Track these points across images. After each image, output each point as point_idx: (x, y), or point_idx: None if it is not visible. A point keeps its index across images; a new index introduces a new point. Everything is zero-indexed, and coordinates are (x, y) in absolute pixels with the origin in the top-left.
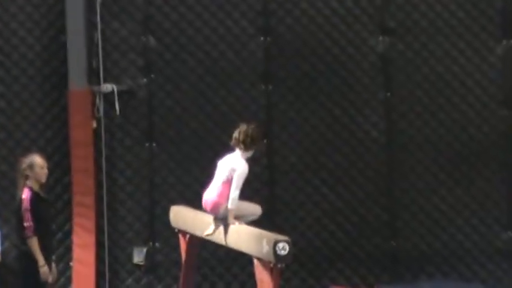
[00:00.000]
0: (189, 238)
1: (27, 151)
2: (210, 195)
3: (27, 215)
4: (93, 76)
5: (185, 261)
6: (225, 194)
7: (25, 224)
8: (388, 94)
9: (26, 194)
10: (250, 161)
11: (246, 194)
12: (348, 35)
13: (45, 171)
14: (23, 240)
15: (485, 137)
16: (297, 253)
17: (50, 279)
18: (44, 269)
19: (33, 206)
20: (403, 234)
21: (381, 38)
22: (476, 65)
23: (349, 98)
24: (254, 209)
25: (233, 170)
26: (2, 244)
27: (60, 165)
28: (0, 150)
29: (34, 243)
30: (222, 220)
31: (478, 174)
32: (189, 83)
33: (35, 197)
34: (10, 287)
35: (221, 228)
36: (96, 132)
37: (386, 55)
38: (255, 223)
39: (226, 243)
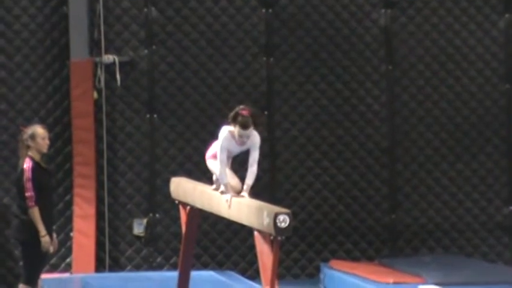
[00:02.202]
0: (189, 210)
1: (28, 122)
2: None
3: (29, 185)
4: (94, 47)
5: (185, 233)
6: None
7: (26, 194)
8: (390, 67)
9: (27, 164)
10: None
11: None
12: (350, 8)
13: (47, 141)
14: (24, 210)
15: (486, 111)
16: (297, 226)
17: (51, 249)
18: (45, 238)
19: (35, 176)
20: (403, 207)
21: (383, 11)
22: (478, 39)
23: (351, 71)
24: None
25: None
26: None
27: (61, 136)
28: (2, 120)
29: (35, 213)
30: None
31: (479, 149)
32: (190, 55)
33: (36, 167)
34: (11, 256)
35: (221, 200)
36: (97, 103)
37: (388, 28)
38: (256, 195)
39: (226, 215)
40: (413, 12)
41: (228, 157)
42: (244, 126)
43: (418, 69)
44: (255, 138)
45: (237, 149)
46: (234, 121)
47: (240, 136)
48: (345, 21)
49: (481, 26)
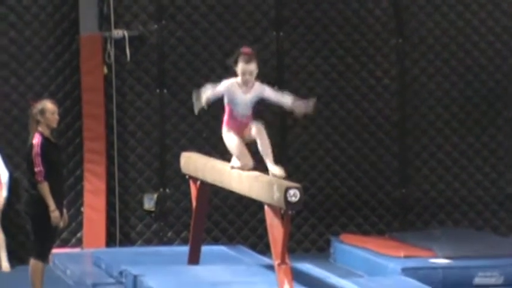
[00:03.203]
0: (200, 184)
1: (38, 97)
2: None
3: (38, 160)
4: (104, 22)
5: (196, 207)
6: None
7: (36, 169)
8: (400, 41)
9: (36, 139)
10: (261, 106)
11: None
12: None
13: (56, 116)
14: (34, 185)
15: (497, 84)
16: (307, 200)
17: (61, 224)
18: (54, 213)
19: (44, 151)
20: (414, 181)
21: None
22: (488, 12)
23: (361, 45)
24: (244, 160)
25: None
26: (9, 188)
27: (71, 111)
28: (12, 95)
29: (45, 188)
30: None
31: (490, 122)
32: (200, 29)
33: (45, 142)
34: (23, 231)
35: (232, 175)
36: (107, 78)
37: (398, 1)
38: (266, 170)
39: (237, 189)
40: None
41: (239, 125)
42: (246, 60)
43: (428, 43)
44: (259, 86)
45: (243, 100)
46: (236, 62)
47: (243, 73)
48: None
49: (489, 1)
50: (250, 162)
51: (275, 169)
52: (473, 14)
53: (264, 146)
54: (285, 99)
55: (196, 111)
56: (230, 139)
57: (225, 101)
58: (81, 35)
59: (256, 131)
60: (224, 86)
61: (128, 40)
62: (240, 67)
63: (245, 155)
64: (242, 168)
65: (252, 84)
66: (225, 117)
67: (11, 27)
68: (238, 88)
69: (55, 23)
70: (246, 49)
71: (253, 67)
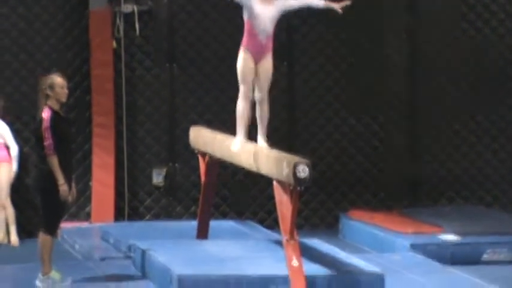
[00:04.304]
0: (209, 159)
1: (47, 72)
2: None
3: (48, 133)
4: None
5: (204, 182)
6: None
7: (45, 143)
8: (411, 18)
9: (46, 113)
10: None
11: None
12: None
13: (66, 90)
14: (43, 158)
15: (507, 63)
16: (316, 176)
17: (70, 198)
18: (63, 187)
19: (53, 125)
20: (423, 158)
21: None
22: None
23: (371, 22)
24: (245, 88)
25: None
26: (19, 163)
27: (80, 86)
28: (21, 71)
29: (54, 161)
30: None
31: (500, 101)
32: (209, 4)
33: (55, 116)
34: (31, 205)
35: (241, 150)
36: (116, 53)
37: None
38: (274, 145)
39: (245, 165)
40: None
41: (259, 46)
42: None
43: (439, 20)
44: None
45: (264, 13)
46: None
47: None
48: None
49: None
50: (248, 90)
51: (262, 142)
52: None
53: (261, 117)
54: (315, 1)
55: None
56: (243, 60)
57: (245, 16)
58: (91, 10)
59: (260, 99)
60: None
61: (138, 14)
62: None
63: (248, 83)
64: (242, 97)
65: None
66: (244, 38)
67: (20, 3)
68: (259, 2)
69: None
70: None
71: None
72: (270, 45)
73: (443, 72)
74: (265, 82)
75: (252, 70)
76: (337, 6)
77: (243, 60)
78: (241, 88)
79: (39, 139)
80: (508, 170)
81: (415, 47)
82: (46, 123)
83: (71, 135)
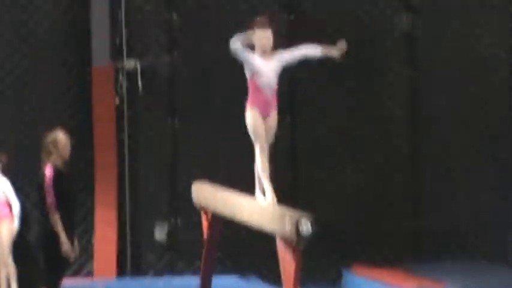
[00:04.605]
0: (212, 215)
1: (50, 127)
2: None
3: (50, 191)
4: (116, 53)
5: (207, 238)
6: None
7: (47, 200)
8: (412, 71)
9: (48, 170)
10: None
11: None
12: (372, 12)
13: (68, 147)
14: (46, 216)
15: (509, 115)
16: (319, 231)
17: (72, 255)
18: (66, 244)
19: (56, 182)
20: (425, 212)
21: (404, 15)
22: (500, 43)
23: (373, 75)
24: (261, 142)
25: None
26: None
27: (83, 141)
28: (24, 125)
29: (56, 219)
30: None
31: (502, 152)
32: (212, 60)
33: (57, 173)
34: (34, 261)
35: (244, 206)
36: (119, 109)
37: (410, 32)
38: (277, 200)
39: (248, 221)
40: (435, 16)
41: (264, 101)
42: (262, 26)
43: (440, 74)
44: (278, 53)
45: (267, 67)
46: (253, 32)
47: (260, 39)
48: (367, 25)
49: (504, 32)
50: (266, 145)
51: (263, 197)
52: (485, 47)
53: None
54: (312, 50)
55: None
56: (252, 118)
57: (248, 75)
58: (94, 66)
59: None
60: (247, 52)
61: (140, 70)
62: (256, 34)
63: (263, 138)
64: (260, 154)
65: (270, 52)
66: (249, 96)
67: (24, 57)
68: (259, 58)
69: (67, 53)
70: (260, 17)
71: (269, 33)
72: (275, 100)
73: (445, 124)
74: (270, 137)
75: (262, 126)
76: (334, 53)
77: (252, 117)
78: (256, 145)
79: (42, 196)
80: (511, 223)
81: (417, 99)
82: (48, 181)
83: (73, 192)
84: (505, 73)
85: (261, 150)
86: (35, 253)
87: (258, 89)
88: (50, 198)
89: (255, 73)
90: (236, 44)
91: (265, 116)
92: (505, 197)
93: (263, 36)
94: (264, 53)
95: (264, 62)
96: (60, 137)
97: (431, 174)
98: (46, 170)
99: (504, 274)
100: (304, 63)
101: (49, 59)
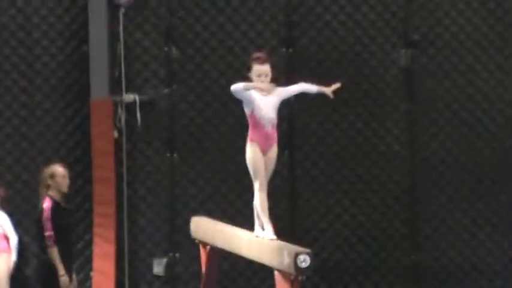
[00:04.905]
0: (210, 249)
1: (48, 160)
2: None
3: (48, 225)
4: (115, 86)
5: (205, 272)
6: None
7: (46, 234)
8: (411, 107)
9: (46, 204)
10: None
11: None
12: (370, 48)
13: (67, 180)
14: (44, 249)
15: (507, 152)
16: (317, 266)
17: None
18: (63, 278)
19: (54, 215)
20: (424, 248)
21: (403, 51)
22: (499, 80)
23: (372, 111)
24: (260, 179)
25: None
26: (19, 252)
27: (81, 175)
28: (22, 159)
29: (54, 253)
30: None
31: (501, 189)
32: (211, 94)
33: (55, 206)
34: None
35: (243, 240)
36: (118, 142)
37: (409, 68)
38: (276, 234)
39: (246, 255)
40: (434, 52)
41: (265, 136)
42: (260, 61)
43: (439, 109)
44: (277, 88)
45: (267, 102)
46: (250, 68)
47: (259, 75)
48: (366, 60)
49: (501, 67)
50: (265, 181)
51: (263, 233)
52: (484, 82)
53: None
54: (309, 86)
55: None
56: (252, 153)
57: (247, 111)
58: (92, 100)
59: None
60: (247, 88)
61: (139, 104)
62: (254, 69)
63: (262, 174)
64: (259, 190)
65: (269, 87)
66: (249, 132)
67: (22, 91)
68: (259, 93)
69: (66, 87)
70: (258, 52)
71: (267, 68)
72: (276, 134)
73: (444, 160)
74: (269, 172)
75: (262, 162)
76: (328, 91)
77: (252, 153)
78: (256, 182)
79: (40, 230)
80: (510, 259)
81: (415, 136)
82: (46, 215)
83: (72, 225)
84: (503, 109)
85: (260, 186)
86: (33, 287)
87: (258, 124)
88: (48, 231)
89: (254, 109)
90: (237, 87)
91: (265, 150)
92: (503, 233)
93: (261, 71)
94: (263, 88)
95: (263, 97)
96: (58, 170)
97: (430, 208)
98: (44, 203)
99: None
100: (303, 97)
101: (47, 93)
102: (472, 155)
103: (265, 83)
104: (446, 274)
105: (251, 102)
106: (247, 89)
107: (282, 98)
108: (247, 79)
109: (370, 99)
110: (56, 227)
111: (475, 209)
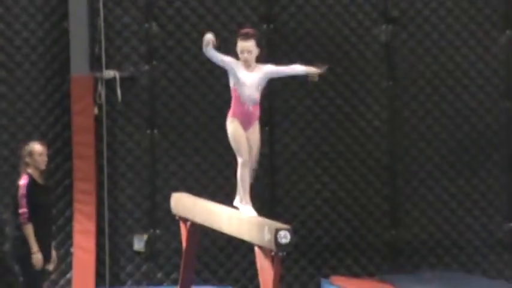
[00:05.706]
0: (190, 225)
1: (28, 137)
2: None
3: (23, 202)
4: (95, 62)
5: (186, 249)
6: None
7: (20, 211)
8: (391, 83)
9: (23, 181)
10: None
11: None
12: (351, 24)
13: (45, 158)
14: (18, 226)
15: (487, 128)
16: (298, 242)
17: (51, 266)
18: (36, 255)
19: (30, 192)
20: (404, 223)
21: (384, 27)
22: (479, 55)
23: (352, 87)
24: (243, 156)
25: None
26: None
27: (61, 152)
28: (2, 135)
29: (28, 230)
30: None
31: (480, 165)
32: (191, 70)
33: (32, 183)
34: (11, 272)
35: (223, 216)
36: (98, 119)
37: (389, 44)
38: (256, 211)
39: (227, 231)
40: (414, 28)
41: (246, 113)
42: (244, 38)
43: (419, 85)
44: (263, 66)
45: (250, 79)
46: (236, 44)
47: (242, 52)
48: (346, 37)
49: (481, 43)
50: (246, 157)
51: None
52: (463, 57)
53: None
54: (297, 68)
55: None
56: (233, 129)
57: (231, 83)
58: (72, 76)
59: (250, 168)
60: (230, 59)
61: (119, 81)
62: (238, 45)
63: (245, 150)
64: (241, 166)
65: (254, 65)
66: (232, 106)
67: (1, 67)
68: (243, 68)
69: (46, 63)
70: (244, 28)
71: (251, 44)
72: (257, 113)
73: (424, 136)
74: (254, 151)
75: (244, 137)
76: (314, 71)
77: (233, 129)
78: (239, 157)
79: (15, 206)
80: (489, 235)
81: (395, 112)
82: (22, 191)
83: (50, 202)
84: (483, 85)
85: (243, 162)
86: (11, 264)
87: (239, 101)
88: (22, 208)
89: (237, 84)
90: (210, 52)
91: (246, 128)
92: (482, 209)
93: (244, 47)
94: (247, 64)
95: (247, 73)
96: (36, 147)
97: (410, 184)
98: (21, 180)
99: (482, 285)
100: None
101: (27, 69)
102: (452, 131)
103: (245, 50)
104: (427, 250)
105: (234, 75)
106: (207, 46)
107: (269, 77)
108: (234, 55)
109: (350, 75)
110: (33, 204)
111: (454, 185)
